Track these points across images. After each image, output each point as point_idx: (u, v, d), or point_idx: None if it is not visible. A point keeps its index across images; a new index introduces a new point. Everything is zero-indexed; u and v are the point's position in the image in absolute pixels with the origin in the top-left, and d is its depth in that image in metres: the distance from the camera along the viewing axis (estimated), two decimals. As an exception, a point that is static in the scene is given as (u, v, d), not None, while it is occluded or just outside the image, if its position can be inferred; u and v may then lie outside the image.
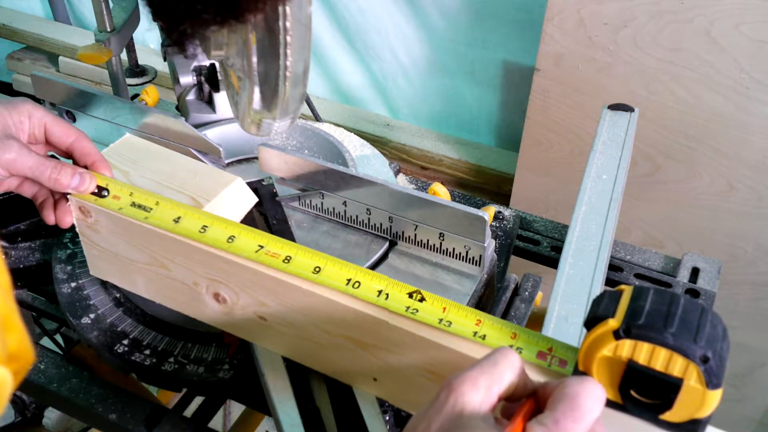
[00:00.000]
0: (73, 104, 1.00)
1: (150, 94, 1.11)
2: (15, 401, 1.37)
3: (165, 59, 1.03)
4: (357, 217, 0.81)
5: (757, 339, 1.46)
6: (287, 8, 0.53)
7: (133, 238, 0.70)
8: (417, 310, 0.59)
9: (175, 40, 0.56)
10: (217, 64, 0.96)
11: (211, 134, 0.95)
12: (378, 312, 0.60)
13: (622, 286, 0.50)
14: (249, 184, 0.93)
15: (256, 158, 0.86)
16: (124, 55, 1.18)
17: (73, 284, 0.83)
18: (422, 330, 0.58)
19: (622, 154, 0.93)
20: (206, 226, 0.66)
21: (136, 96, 1.20)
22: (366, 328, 0.61)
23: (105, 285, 0.83)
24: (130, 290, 0.77)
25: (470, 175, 1.68)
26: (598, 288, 0.76)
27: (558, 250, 0.95)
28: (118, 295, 0.82)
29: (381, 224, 0.80)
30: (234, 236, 0.65)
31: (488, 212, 0.85)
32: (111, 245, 0.73)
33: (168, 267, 0.70)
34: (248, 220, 0.78)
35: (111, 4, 1.09)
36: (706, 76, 1.23)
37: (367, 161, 0.98)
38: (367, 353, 0.63)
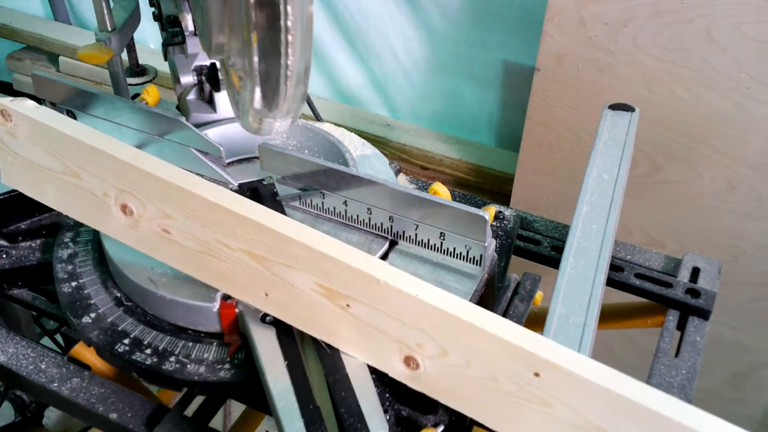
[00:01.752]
0: (73, 104, 1.00)
1: (150, 93, 1.11)
2: (15, 401, 1.37)
3: (165, 59, 1.02)
4: (357, 216, 0.81)
5: (757, 339, 1.46)
6: (288, 7, 0.53)
7: (50, 144, 0.72)
8: None
9: None
10: (217, 64, 0.96)
11: (212, 134, 0.95)
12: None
13: None
14: (250, 183, 0.93)
15: (257, 158, 0.86)
16: (124, 55, 1.18)
17: (73, 284, 0.83)
18: (317, 243, 0.62)
19: (623, 154, 0.93)
20: None
21: (136, 96, 1.20)
22: (263, 240, 0.64)
23: (106, 284, 0.83)
24: (39, 200, 0.79)
25: (470, 175, 1.68)
26: (600, 288, 0.76)
27: (558, 249, 0.95)
28: (119, 295, 0.82)
29: (382, 224, 0.80)
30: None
31: (489, 212, 0.85)
32: (27, 152, 0.75)
33: (80, 176, 0.72)
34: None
35: (111, 4, 1.09)
36: (706, 76, 1.23)
37: (367, 161, 0.98)
38: (261, 267, 0.66)
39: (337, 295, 0.63)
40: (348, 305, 0.63)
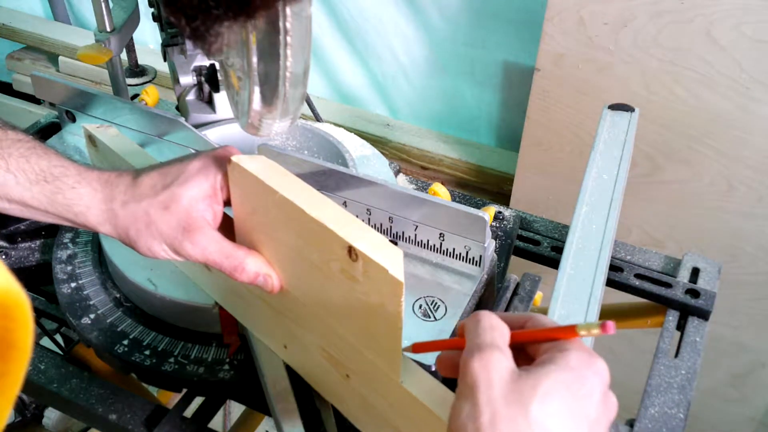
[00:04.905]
0: (73, 104, 1.00)
1: (150, 94, 1.11)
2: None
3: (165, 59, 1.02)
4: (357, 217, 0.81)
5: (757, 339, 1.46)
6: (288, 8, 0.53)
7: None
8: None
9: (187, 36, 0.55)
10: (216, 64, 0.96)
11: (211, 134, 0.95)
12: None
13: None
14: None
15: (256, 158, 0.86)
16: (124, 55, 1.18)
17: (73, 284, 0.83)
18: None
19: (623, 154, 0.93)
20: None
21: (136, 96, 1.20)
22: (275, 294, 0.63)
23: (105, 285, 0.83)
24: None
25: (470, 175, 1.68)
26: (599, 288, 0.76)
27: (558, 250, 0.95)
28: (118, 296, 0.82)
29: (381, 224, 0.79)
30: None
31: (488, 212, 0.85)
32: None
33: None
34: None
35: (111, 4, 1.09)
36: (706, 76, 1.23)
37: (367, 161, 0.98)
38: (277, 317, 0.66)
39: (340, 365, 0.62)
40: (347, 376, 0.62)
